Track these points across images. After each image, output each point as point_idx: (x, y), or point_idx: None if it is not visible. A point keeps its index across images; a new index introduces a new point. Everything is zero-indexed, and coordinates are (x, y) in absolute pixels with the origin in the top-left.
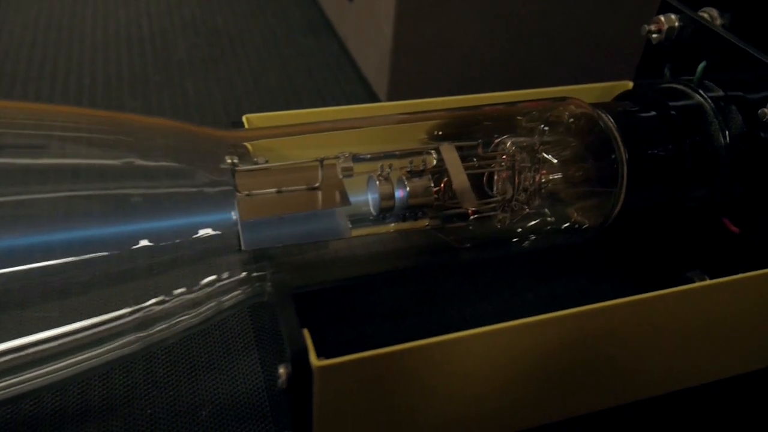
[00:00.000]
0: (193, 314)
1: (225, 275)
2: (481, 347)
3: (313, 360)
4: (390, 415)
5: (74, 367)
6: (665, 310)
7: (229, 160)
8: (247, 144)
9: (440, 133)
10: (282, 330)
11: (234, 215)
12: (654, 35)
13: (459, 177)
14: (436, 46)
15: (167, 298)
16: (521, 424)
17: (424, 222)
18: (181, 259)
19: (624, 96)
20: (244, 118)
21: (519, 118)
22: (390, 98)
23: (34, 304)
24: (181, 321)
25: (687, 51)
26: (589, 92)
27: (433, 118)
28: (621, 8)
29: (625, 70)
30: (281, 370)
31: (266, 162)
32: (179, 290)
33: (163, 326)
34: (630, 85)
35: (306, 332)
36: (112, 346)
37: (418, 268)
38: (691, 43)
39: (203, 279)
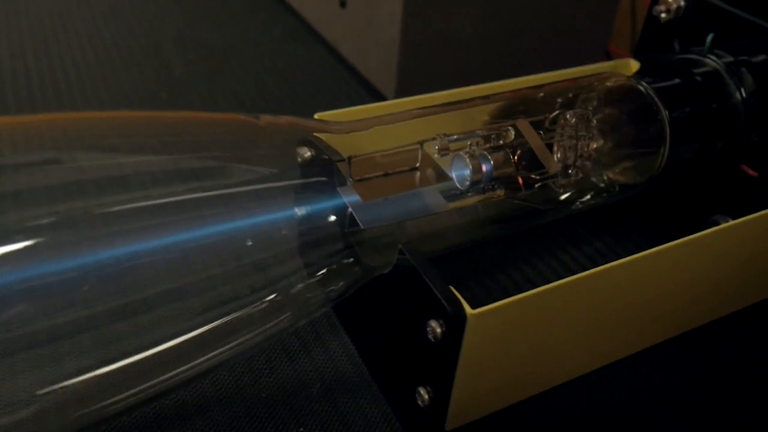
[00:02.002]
0: (314, 300)
1: (335, 259)
2: (599, 283)
3: (468, 309)
4: (517, 361)
5: (213, 359)
6: (703, 248)
7: (307, 153)
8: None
9: (505, 113)
10: (433, 289)
11: (345, 200)
12: (663, 14)
13: (539, 146)
14: (438, 44)
15: (289, 287)
16: (605, 360)
17: (501, 192)
18: (286, 251)
19: (646, 69)
20: (316, 116)
21: (570, 94)
22: (398, 95)
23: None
24: (308, 308)
25: (691, 26)
26: (593, 70)
27: (494, 101)
28: (586, 5)
29: (595, 52)
30: (433, 325)
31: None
32: (296, 278)
33: (293, 312)
34: (631, 62)
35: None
36: (247, 336)
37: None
38: (694, 19)
39: (319, 264)
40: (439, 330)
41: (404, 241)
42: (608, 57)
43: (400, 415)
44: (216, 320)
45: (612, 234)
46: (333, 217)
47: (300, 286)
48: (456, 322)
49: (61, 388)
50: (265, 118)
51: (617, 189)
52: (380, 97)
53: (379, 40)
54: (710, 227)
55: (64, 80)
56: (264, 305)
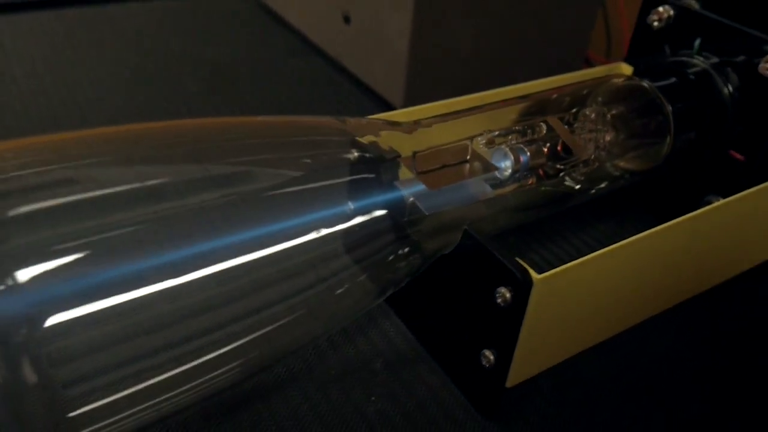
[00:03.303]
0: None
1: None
2: (637, 248)
3: (534, 275)
4: (570, 320)
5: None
6: (705, 223)
7: (356, 154)
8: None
9: (530, 111)
10: (502, 260)
11: (403, 191)
12: (655, 23)
13: (569, 137)
14: (441, 56)
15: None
16: (639, 318)
17: (533, 180)
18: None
19: (642, 71)
20: (367, 118)
21: (584, 92)
22: (406, 105)
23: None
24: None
25: (680, 32)
26: (594, 74)
27: (522, 102)
28: (569, 18)
29: (577, 58)
30: (502, 291)
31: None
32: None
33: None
34: (623, 65)
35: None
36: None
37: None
38: (682, 26)
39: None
40: (508, 295)
41: (470, 224)
42: (588, 62)
43: (458, 381)
44: (291, 312)
45: (619, 217)
46: (388, 210)
47: (365, 275)
48: (524, 287)
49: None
50: (350, 121)
51: (627, 176)
52: (387, 107)
53: (386, 53)
54: (704, 206)
55: (81, 106)
56: (334, 295)
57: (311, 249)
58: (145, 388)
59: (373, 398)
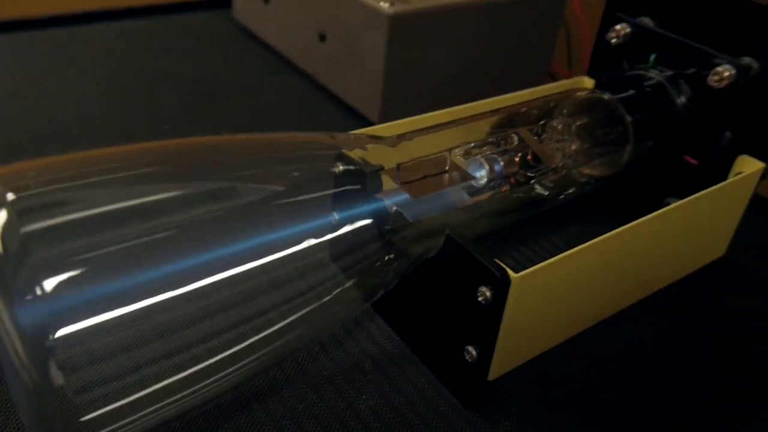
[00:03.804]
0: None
1: (382, 255)
2: (606, 246)
3: (512, 274)
4: (546, 315)
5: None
6: (664, 223)
7: (341, 167)
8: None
9: (501, 124)
10: (483, 261)
11: (387, 201)
12: (614, 40)
13: (539, 147)
14: (415, 71)
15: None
16: (608, 312)
17: (507, 188)
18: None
19: (602, 85)
20: (353, 133)
21: (551, 105)
22: (381, 119)
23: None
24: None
25: (636, 48)
26: (559, 88)
27: (494, 115)
28: (534, 35)
29: (542, 72)
30: (483, 290)
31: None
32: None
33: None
34: (585, 79)
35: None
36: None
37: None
38: (638, 42)
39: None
40: (489, 294)
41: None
42: (552, 76)
43: (443, 376)
44: (285, 318)
45: (585, 220)
46: (373, 219)
47: (354, 282)
48: (503, 286)
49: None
50: (338, 136)
51: (592, 182)
52: (364, 122)
53: (362, 69)
54: (663, 208)
55: (69, 119)
56: (324, 301)
57: (302, 258)
58: (154, 391)
59: (364, 396)
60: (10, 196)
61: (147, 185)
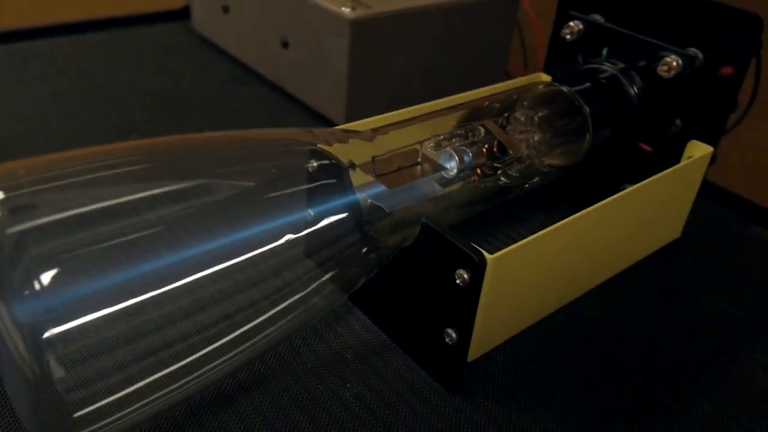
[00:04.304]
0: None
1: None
2: (573, 228)
3: (487, 256)
4: (521, 294)
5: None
6: (622, 206)
7: (314, 163)
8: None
9: (467, 118)
10: (459, 245)
11: (360, 194)
12: (568, 36)
13: (505, 137)
14: (378, 74)
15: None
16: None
17: (476, 178)
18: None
19: (559, 78)
20: (332, 129)
21: (513, 98)
22: (347, 121)
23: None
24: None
25: (589, 43)
26: (517, 83)
27: (461, 109)
28: (490, 37)
29: (498, 72)
30: (461, 272)
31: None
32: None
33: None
34: (542, 75)
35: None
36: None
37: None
38: (591, 38)
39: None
40: (466, 276)
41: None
42: (508, 75)
43: (423, 362)
44: (267, 311)
45: (548, 210)
46: (349, 212)
47: (334, 273)
48: (480, 267)
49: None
50: (317, 130)
51: (555, 171)
52: (330, 125)
53: (326, 74)
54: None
55: (34, 131)
56: (305, 293)
57: (282, 253)
58: (142, 386)
59: (348, 384)
60: (1, 195)
61: (135, 182)
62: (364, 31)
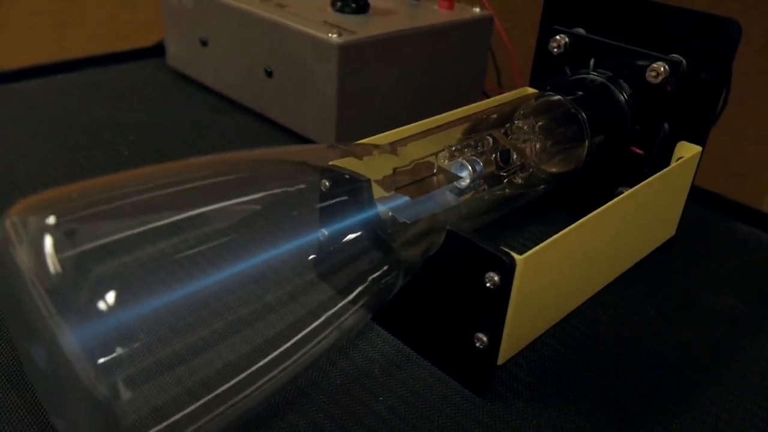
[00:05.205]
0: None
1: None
2: (592, 225)
3: (516, 257)
4: (548, 293)
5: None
6: (630, 205)
7: (328, 183)
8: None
9: (471, 130)
10: (488, 249)
11: (384, 206)
12: (555, 49)
13: (514, 146)
14: (365, 96)
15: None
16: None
17: (485, 187)
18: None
19: (552, 89)
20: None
21: (510, 110)
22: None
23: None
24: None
25: (576, 55)
26: (508, 98)
27: (464, 122)
28: (468, 57)
29: (476, 91)
30: (491, 275)
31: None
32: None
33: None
34: (528, 89)
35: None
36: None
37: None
38: (577, 50)
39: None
40: (497, 278)
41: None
42: (485, 94)
43: (450, 370)
44: (301, 333)
45: (545, 220)
46: (372, 227)
47: (360, 289)
48: (510, 268)
49: None
50: (334, 145)
51: (557, 178)
52: None
53: (314, 99)
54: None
55: (18, 176)
56: (336, 312)
57: (305, 274)
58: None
59: (380, 398)
60: (53, 219)
61: (174, 203)
62: (351, 55)
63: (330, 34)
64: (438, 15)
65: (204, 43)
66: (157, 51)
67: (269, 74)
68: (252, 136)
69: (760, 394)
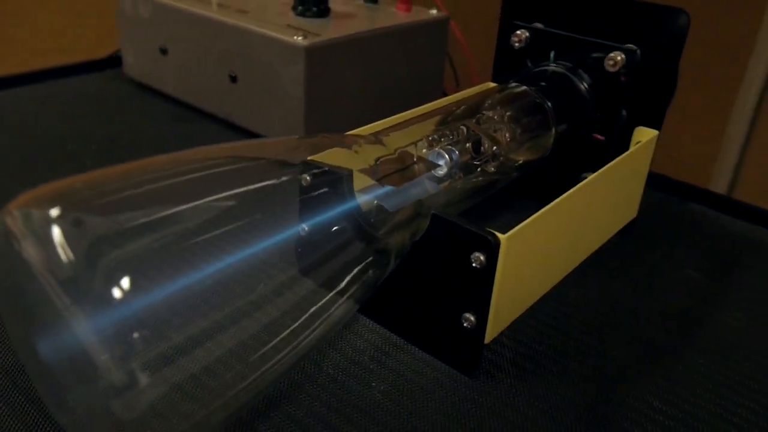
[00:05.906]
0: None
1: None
2: (567, 205)
3: (500, 236)
4: (532, 270)
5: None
6: (598, 185)
7: (308, 177)
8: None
9: (442, 122)
10: (473, 230)
11: (362, 197)
12: (516, 44)
13: (489, 134)
14: (332, 97)
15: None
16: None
17: (461, 175)
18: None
19: (518, 79)
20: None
21: (479, 102)
22: None
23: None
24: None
25: (536, 48)
26: (472, 92)
27: (436, 115)
28: (428, 58)
29: (436, 90)
30: (477, 255)
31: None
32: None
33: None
34: (491, 84)
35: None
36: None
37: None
38: (538, 44)
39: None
40: (482, 257)
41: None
42: (445, 93)
43: (439, 353)
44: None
45: (512, 210)
46: (355, 217)
47: (349, 279)
48: (495, 247)
49: None
50: (324, 136)
51: (526, 165)
52: None
53: (281, 102)
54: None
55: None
56: (327, 302)
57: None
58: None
59: (373, 384)
60: (58, 211)
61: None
62: (316, 57)
63: (296, 37)
64: (396, 17)
65: (164, 52)
66: (112, 62)
67: (234, 79)
68: (218, 142)
69: (727, 356)
